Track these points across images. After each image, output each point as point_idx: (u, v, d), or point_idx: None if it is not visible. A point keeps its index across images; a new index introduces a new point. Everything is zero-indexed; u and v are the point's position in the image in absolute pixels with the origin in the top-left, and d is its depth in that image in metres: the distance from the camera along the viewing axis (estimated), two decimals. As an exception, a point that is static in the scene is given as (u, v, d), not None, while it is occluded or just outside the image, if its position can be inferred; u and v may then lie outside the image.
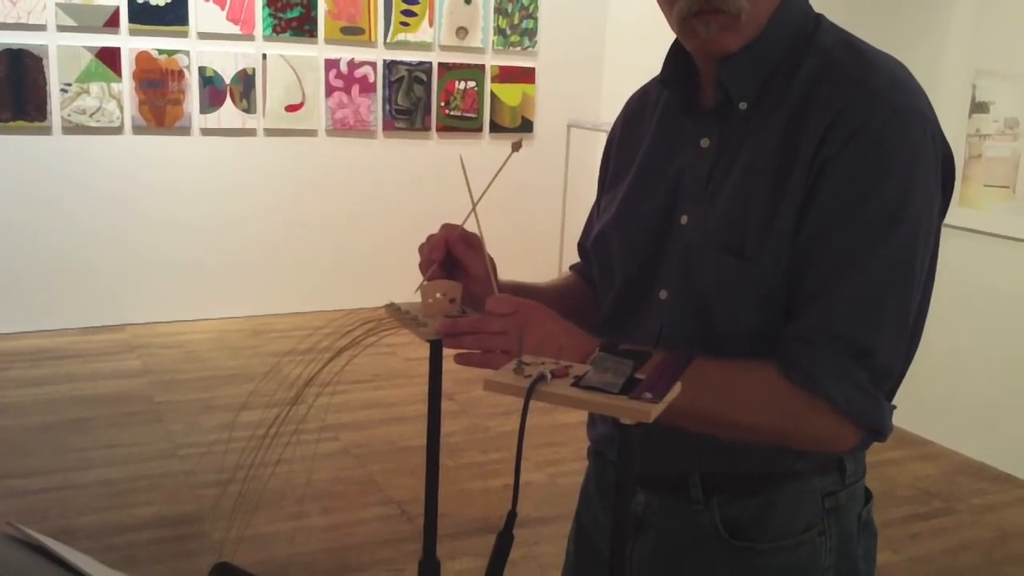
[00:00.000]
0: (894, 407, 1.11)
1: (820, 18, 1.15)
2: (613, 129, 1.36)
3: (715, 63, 1.13)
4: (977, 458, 4.05)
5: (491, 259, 1.18)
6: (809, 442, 1.10)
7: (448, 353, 1.08)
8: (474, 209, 1.15)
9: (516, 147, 1.15)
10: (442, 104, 6.05)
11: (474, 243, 1.19)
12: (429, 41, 5.94)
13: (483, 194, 1.15)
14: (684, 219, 1.16)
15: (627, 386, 0.85)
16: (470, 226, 1.18)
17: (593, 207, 1.39)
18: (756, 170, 1.10)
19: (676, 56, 1.20)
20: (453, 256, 1.18)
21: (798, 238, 1.06)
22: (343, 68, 5.76)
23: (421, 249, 1.21)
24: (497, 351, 1.03)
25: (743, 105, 1.12)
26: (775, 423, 1.07)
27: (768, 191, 1.08)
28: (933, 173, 1.06)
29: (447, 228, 1.19)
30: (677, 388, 0.87)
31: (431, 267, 1.17)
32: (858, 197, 1.03)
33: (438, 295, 1.13)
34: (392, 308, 1.14)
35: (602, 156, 1.38)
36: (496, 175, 1.16)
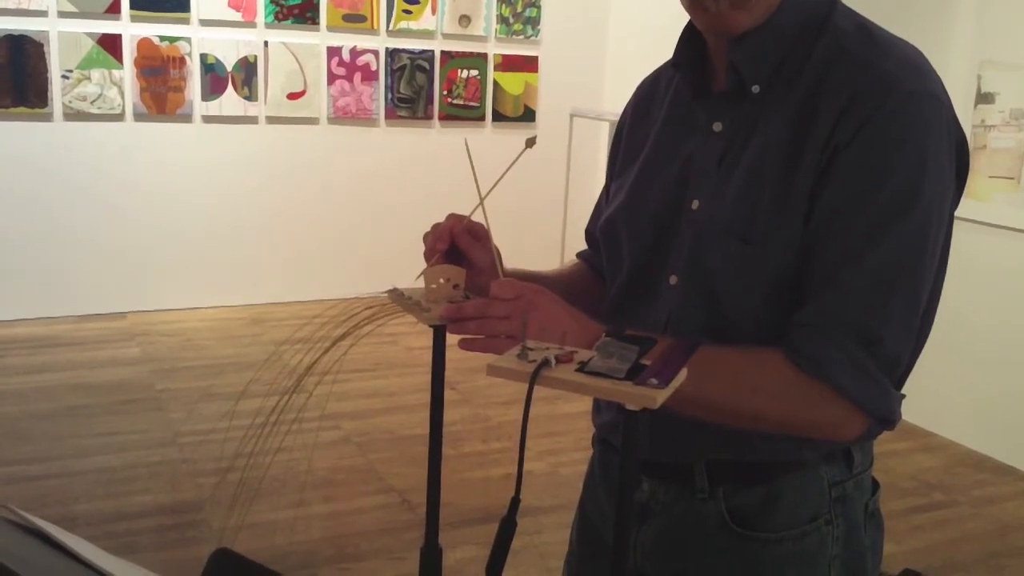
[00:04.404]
0: (903, 396, 1.09)
1: (835, 1, 1.13)
2: (624, 114, 1.35)
3: (727, 45, 1.11)
4: (979, 450, 4.05)
5: (497, 250, 1.17)
6: (815, 429, 1.09)
7: (451, 340, 1.07)
8: (482, 202, 1.14)
9: (530, 143, 1.13)
10: (444, 93, 6.02)
11: (479, 235, 1.17)
12: (432, 29, 5.91)
13: (491, 190, 1.14)
14: (695, 204, 1.15)
15: (632, 372, 0.84)
16: (477, 217, 1.17)
17: (602, 193, 1.38)
18: (768, 154, 1.08)
19: (688, 39, 1.18)
20: (458, 248, 1.17)
21: (809, 223, 1.05)
22: (345, 56, 5.73)
23: (426, 238, 1.19)
24: (501, 336, 1.02)
25: (756, 88, 1.11)
26: (781, 410, 1.06)
27: (780, 176, 1.07)
28: (947, 159, 1.05)
29: (453, 218, 1.18)
30: (683, 374, 0.85)
31: (435, 256, 1.16)
32: (870, 182, 1.02)
33: (441, 280, 1.12)
34: (395, 293, 1.13)
35: (612, 141, 1.36)
36: (507, 171, 1.14)
